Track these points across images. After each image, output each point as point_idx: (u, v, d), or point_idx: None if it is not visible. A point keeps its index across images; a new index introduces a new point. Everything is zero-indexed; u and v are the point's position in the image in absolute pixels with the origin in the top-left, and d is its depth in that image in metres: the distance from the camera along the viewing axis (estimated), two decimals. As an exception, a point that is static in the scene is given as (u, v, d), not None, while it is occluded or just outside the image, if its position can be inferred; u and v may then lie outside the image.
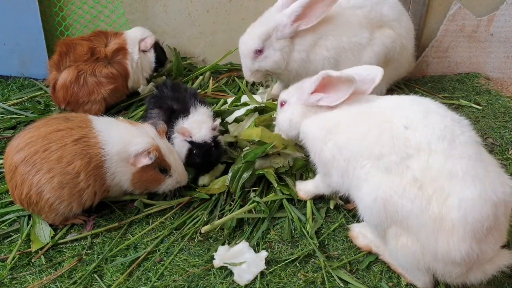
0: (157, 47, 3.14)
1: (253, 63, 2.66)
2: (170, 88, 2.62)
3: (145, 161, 2.09)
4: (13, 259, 2.00)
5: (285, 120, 2.21)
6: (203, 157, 2.34)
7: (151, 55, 3.10)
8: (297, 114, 2.14)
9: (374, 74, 2.07)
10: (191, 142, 2.34)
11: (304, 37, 2.60)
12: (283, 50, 2.60)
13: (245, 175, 2.27)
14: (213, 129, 2.38)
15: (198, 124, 2.37)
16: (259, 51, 2.61)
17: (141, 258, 2.01)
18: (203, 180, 2.40)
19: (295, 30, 2.55)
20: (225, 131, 2.74)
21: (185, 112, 2.45)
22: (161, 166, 2.17)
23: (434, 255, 1.62)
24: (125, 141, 2.10)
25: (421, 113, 1.73)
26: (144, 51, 3.06)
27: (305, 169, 2.44)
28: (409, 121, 1.71)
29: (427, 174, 1.60)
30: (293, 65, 2.65)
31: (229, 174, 2.30)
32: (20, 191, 2.02)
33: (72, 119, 2.14)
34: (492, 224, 1.55)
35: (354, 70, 2.11)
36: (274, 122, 2.46)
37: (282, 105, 2.28)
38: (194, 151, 2.33)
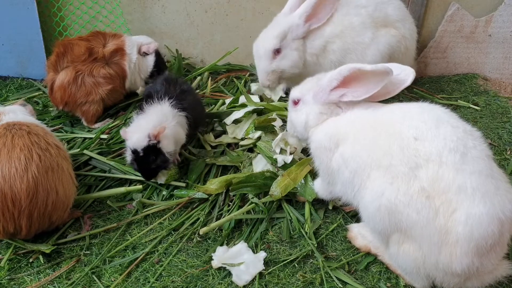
0: (158, 55, 3.14)
1: (271, 63, 2.63)
2: (161, 81, 2.57)
3: None
4: (10, 260, 1.99)
5: (301, 121, 2.04)
6: (137, 164, 2.26)
7: (151, 59, 3.09)
8: (314, 115, 1.99)
9: (406, 74, 1.91)
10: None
11: (313, 41, 2.63)
12: (299, 49, 2.62)
13: (249, 189, 2.27)
14: (149, 138, 2.18)
15: (135, 128, 2.27)
16: (277, 51, 2.61)
17: (139, 259, 2.00)
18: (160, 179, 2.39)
19: (307, 30, 2.59)
20: (224, 132, 2.74)
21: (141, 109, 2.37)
22: None
23: (435, 264, 1.62)
24: None
25: (431, 122, 1.67)
26: (145, 54, 3.06)
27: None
28: (419, 132, 1.66)
29: (436, 186, 1.57)
30: (306, 70, 2.65)
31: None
32: None
33: None
34: (497, 241, 1.55)
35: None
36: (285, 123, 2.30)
37: (295, 103, 2.09)
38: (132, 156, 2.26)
